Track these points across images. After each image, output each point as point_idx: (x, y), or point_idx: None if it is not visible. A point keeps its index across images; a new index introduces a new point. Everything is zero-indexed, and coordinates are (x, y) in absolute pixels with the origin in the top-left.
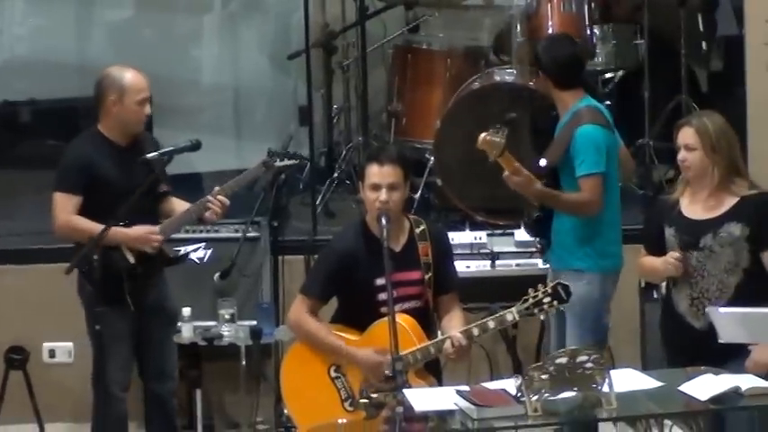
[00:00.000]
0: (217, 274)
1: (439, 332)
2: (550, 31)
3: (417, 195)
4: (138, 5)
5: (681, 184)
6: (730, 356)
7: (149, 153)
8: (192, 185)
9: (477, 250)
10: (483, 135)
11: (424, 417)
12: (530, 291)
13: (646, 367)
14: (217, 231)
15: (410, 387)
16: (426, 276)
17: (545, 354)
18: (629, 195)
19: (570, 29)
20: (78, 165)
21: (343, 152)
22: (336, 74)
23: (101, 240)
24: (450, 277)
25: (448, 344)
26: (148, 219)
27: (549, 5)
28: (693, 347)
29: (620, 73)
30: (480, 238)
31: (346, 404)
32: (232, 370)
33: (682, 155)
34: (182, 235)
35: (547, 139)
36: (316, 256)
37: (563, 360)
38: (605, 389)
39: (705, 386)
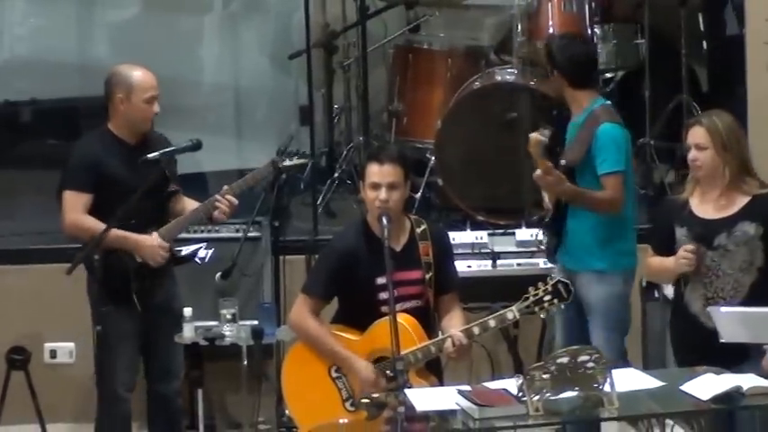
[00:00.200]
0: (218, 274)
1: (439, 332)
2: (551, 30)
3: (418, 195)
4: (138, 5)
5: (690, 184)
6: (744, 357)
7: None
8: (192, 185)
9: (478, 250)
10: (535, 135)
11: (426, 416)
12: (530, 289)
13: (647, 367)
14: (218, 231)
15: (411, 387)
16: (427, 276)
17: (549, 353)
18: None
19: (571, 28)
20: (86, 163)
21: (344, 152)
22: (337, 74)
23: (102, 240)
24: (451, 277)
25: (448, 343)
26: (158, 218)
27: (550, 5)
28: (706, 348)
29: (621, 72)
30: (481, 238)
31: (347, 404)
32: (233, 370)
33: (693, 154)
34: (182, 235)
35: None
36: (317, 256)
37: (564, 360)
38: (607, 388)
39: (706, 386)
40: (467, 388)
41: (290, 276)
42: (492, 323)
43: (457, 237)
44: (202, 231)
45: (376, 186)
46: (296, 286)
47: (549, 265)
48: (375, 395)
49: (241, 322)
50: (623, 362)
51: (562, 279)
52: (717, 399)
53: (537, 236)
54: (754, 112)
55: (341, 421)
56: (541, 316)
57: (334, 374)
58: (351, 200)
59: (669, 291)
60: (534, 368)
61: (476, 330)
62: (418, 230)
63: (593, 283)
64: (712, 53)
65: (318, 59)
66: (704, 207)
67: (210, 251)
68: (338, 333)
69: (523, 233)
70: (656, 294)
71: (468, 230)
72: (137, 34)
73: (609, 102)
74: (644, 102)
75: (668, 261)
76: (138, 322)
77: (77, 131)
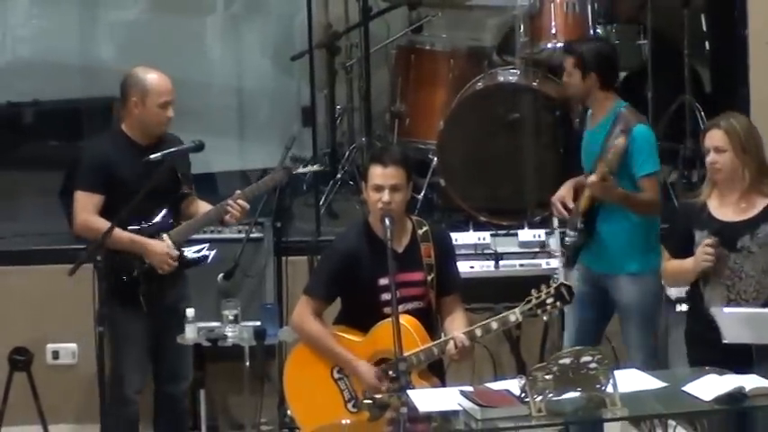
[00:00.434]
0: (220, 275)
1: (442, 333)
2: (554, 31)
3: (421, 196)
4: (141, 7)
5: (707, 187)
6: (764, 359)
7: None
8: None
9: (480, 251)
10: (621, 141)
11: (428, 417)
12: (533, 291)
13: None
14: (220, 232)
15: (414, 388)
16: (429, 277)
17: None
18: None
19: (574, 29)
20: (96, 163)
21: (347, 153)
22: (339, 74)
23: (105, 241)
24: (453, 278)
25: (451, 345)
26: (170, 219)
27: (553, 6)
28: (726, 349)
29: (624, 73)
30: (484, 239)
31: (350, 405)
32: (236, 371)
33: (712, 157)
34: None
35: (551, 139)
36: (319, 257)
37: (567, 360)
38: (609, 389)
39: (709, 386)
40: (469, 389)
41: (293, 277)
42: (494, 325)
43: (459, 237)
44: (205, 232)
45: (379, 188)
46: (298, 287)
47: (552, 265)
48: (377, 396)
49: (243, 323)
50: (654, 360)
51: (564, 282)
52: (719, 399)
53: (539, 236)
54: (756, 112)
55: (343, 422)
56: (544, 318)
57: (337, 375)
58: (353, 201)
59: (672, 292)
60: (537, 369)
61: (478, 332)
62: (420, 232)
63: (629, 284)
64: (715, 54)
65: (321, 60)
66: (724, 210)
67: (213, 252)
68: (340, 334)
69: (526, 234)
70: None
71: (471, 231)
72: (139, 36)
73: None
74: (647, 102)
75: (687, 262)
76: (147, 324)
77: (80, 133)
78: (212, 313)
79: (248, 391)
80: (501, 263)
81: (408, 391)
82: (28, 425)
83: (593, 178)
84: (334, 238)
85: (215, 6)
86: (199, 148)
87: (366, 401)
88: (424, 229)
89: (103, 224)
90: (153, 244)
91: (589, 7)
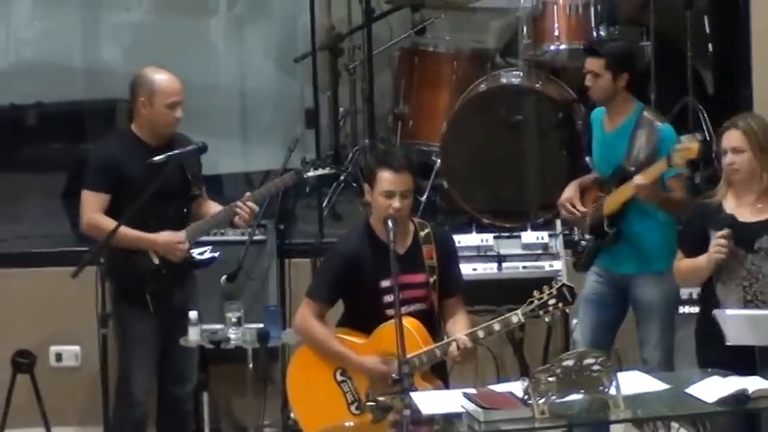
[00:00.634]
0: (223, 277)
1: (444, 335)
2: (556, 33)
3: (424, 198)
4: (144, 9)
5: (723, 187)
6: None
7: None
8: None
9: (483, 252)
10: (697, 145)
11: (431, 420)
12: (535, 293)
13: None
14: (223, 234)
15: (417, 390)
16: (431, 279)
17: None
18: None
19: (577, 31)
20: (104, 163)
21: (350, 155)
22: (343, 76)
23: (110, 241)
24: (455, 280)
25: (453, 347)
26: (179, 221)
27: (556, 7)
28: (737, 350)
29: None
30: (487, 241)
31: (353, 407)
32: (239, 373)
33: (729, 158)
34: None
35: (554, 141)
36: (322, 259)
37: (570, 362)
38: (612, 391)
39: (712, 388)
40: (472, 391)
41: (296, 279)
42: (497, 327)
43: (462, 239)
44: (208, 234)
45: (390, 194)
46: (301, 289)
47: (555, 267)
48: (380, 398)
49: (246, 325)
50: (671, 360)
51: (567, 283)
52: (723, 401)
53: (543, 238)
54: (760, 114)
55: (346, 424)
56: (546, 320)
57: (340, 378)
58: (356, 203)
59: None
60: (540, 371)
61: (480, 334)
62: (422, 234)
63: (654, 284)
64: (718, 55)
65: (324, 62)
66: (741, 210)
67: (216, 254)
68: (343, 336)
69: (529, 236)
70: None
71: (474, 233)
72: (142, 38)
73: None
74: (649, 104)
75: (700, 259)
76: (155, 324)
77: (83, 135)
78: (215, 315)
79: (251, 393)
80: (504, 265)
81: (411, 394)
82: (31, 427)
83: (642, 180)
84: (336, 240)
85: (218, 8)
86: (202, 150)
87: (369, 403)
88: (426, 230)
89: (110, 223)
90: (157, 234)
91: (592, 9)
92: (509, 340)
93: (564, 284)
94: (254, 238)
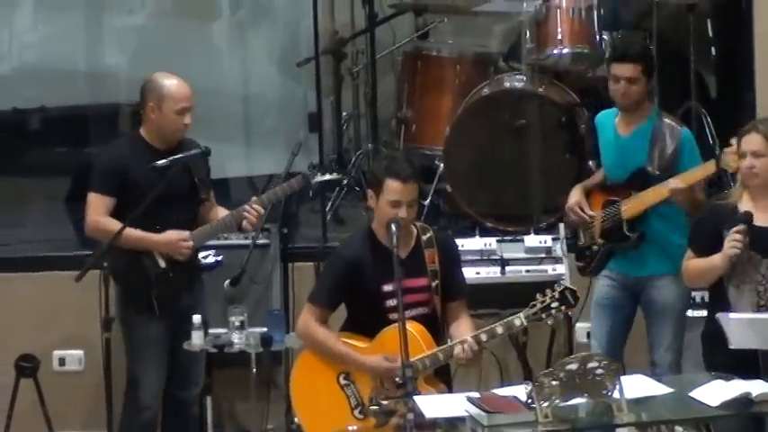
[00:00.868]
0: (227, 281)
1: (448, 339)
2: (560, 37)
3: (427, 202)
4: (147, 13)
5: (738, 190)
6: None
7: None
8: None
9: (486, 256)
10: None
11: (435, 423)
12: (537, 296)
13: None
14: (227, 238)
15: (420, 394)
16: (433, 283)
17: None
18: None
19: (579, 35)
20: (111, 167)
21: (353, 159)
22: (346, 81)
23: (115, 241)
24: (458, 284)
25: (458, 349)
26: (187, 226)
27: (559, 12)
28: (748, 354)
29: None
30: (490, 245)
31: (356, 412)
32: (242, 377)
33: (749, 162)
34: None
35: (557, 145)
36: (324, 264)
37: (573, 366)
38: (616, 395)
39: (716, 392)
40: (476, 395)
41: (299, 283)
42: (499, 330)
43: (465, 243)
44: (215, 238)
45: (397, 204)
46: (305, 293)
47: (558, 271)
48: (384, 402)
49: (250, 329)
50: (680, 363)
51: (569, 286)
52: (726, 405)
53: (546, 242)
54: (762, 117)
55: (350, 429)
56: (548, 323)
57: (343, 382)
58: (359, 207)
59: None
60: (543, 375)
61: (483, 337)
62: (424, 238)
63: (672, 284)
64: (721, 59)
65: (327, 66)
66: (757, 215)
67: (220, 258)
68: (346, 341)
69: (532, 240)
70: None
71: (477, 237)
72: (145, 42)
73: None
74: None
75: (714, 258)
76: (163, 328)
77: (86, 139)
78: (219, 320)
79: (255, 397)
80: (507, 269)
81: (415, 397)
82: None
83: (680, 184)
84: (339, 244)
85: (221, 13)
86: (205, 153)
87: (373, 408)
88: (429, 234)
89: (115, 225)
90: (163, 234)
91: (595, 13)
92: (512, 344)
93: (566, 287)
94: (258, 242)
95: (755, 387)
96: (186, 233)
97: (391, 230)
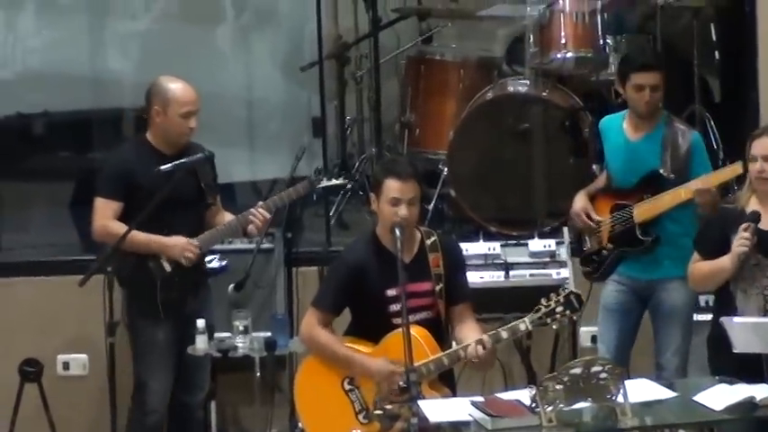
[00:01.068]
0: (231, 286)
1: (452, 343)
2: (563, 41)
3: (431, 206)
4: (151, 18)
5: (746, 193)
6: None
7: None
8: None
9: (490, 261)
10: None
11: (439, 428)
12: (542, 300)
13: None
14: (231, 243)
15: (424, 398)
16: (437, 287)
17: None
18: None
19: (583, 39)
20: (118, 171)
21: (357, 163)
22: (349, 85)
23: (120, 245)
24: (463, 288)
25: (472, 348)
26: (193, 230)
27: (562, 16)
28: (755, 358)
29: None
30: (494, 249)
31: (360, 416)
32: (246, 381)
33: (760, 165)
34: None
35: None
36: (328, 268)
37: (577, 370)
38: (620, 399)
39: (719, 396)
40: (480, 399)
41: (303, 288)
42: (504, 334)
43: (469, 248)
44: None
45: (396, 202)
46: (309, 298)
47: (563, 275)
48: (388, 407)
49: (254, 334)
50: (686, 367)
51: (574, 290)
52: (730, 409)
53: (550, 246)
54: (766, 122)
55: None
56: (554, 327)
57: (347, 387)
58: (363, 211)
59: None
60: (547, 379)
61: (488, 341)
62: (428, 242)
63: (682, 288)
64: (725, 63)
65: (331, 71)
66: (765, 218)
67: (224, 262)
68: (350, 346)
69: (536, 244)
70: None
71: (481, 241)
72: (149, 46)
73: None
74: None
75: (722, 260)
76: (169, 332)
77: (90, 144)
78: (223, 324)
79: (259, 402)
80: (511, 273)
81: (419, 402)
82: None
83: (705, 185)
84: (343, 248)
85: (225, 17)
86: (208, 158)
87: (377, 412)
88: (433, 239)
89: (122, 229)
90: (170, 238)
91: (599, 17)
92: (516, 348)
93: (571, 292)
94: (262, 246)
95: (759, 391)
96: (196, 241)
97: (395, 235)
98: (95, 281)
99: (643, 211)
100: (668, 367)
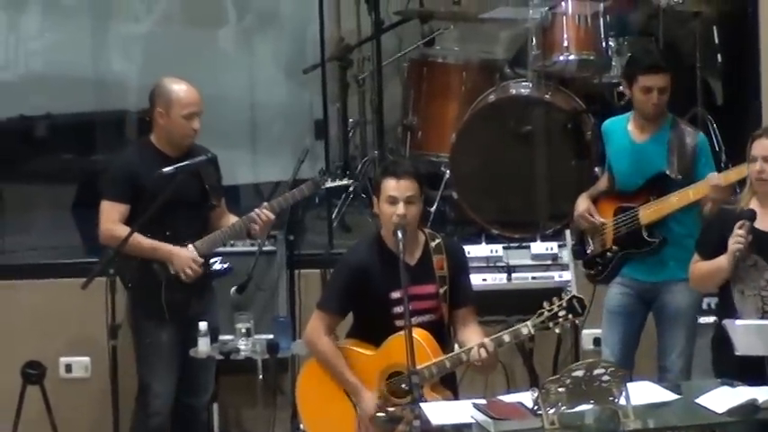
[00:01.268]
0: (233, 288)
1: (455, 346)
2: (566, 44)
3: (433, 209)
4: (154, 20)
5: (746, 194)
6: None
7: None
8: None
9: (493, 263)
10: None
11: (441, 430)
12: (545, 304)
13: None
14: (233, 245)
15: (426, 401)
16: (441, 290)
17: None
18: None
19: (586, 42)
20: (123, 174)
21: (359, 166)
22: (352, 87)
23: (122, 246)
24: (466, 291)
25: (475, 351)
26: (197, 232)
27: (565, 18)
28: (756, 360)
29: None
30: (496, 251)
31: None
32: (249, 384)
33: (759, 166)
34: None
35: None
36: (332, 270)
37: (580, 373)
38: (622, 401)
39: (722, 398)
40: (482, 401)
41: (306, 290)
42: (506, 338)
43: (472, 250)
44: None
45: (393, 201)
46: (311, 300)
47: (565, 278)
48: (390, 410)
49: (256, 336)
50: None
51: (576, 294)
52: (732, 411)
53: (552, 249)
54: None
55: None
56: (556, 331)
57: None
58: (366, 214)
59: None
60: (550, 381)
61: (490, 345)
62: (432, 244)
63: (687, 290)
64: (727, 66)
65: (333, 73)
66: (764, 219)
67: (227, 264)
68: (353, 348)
69: (538, 246)
70: None
71: (483, 244)
72: (152, 49)
73: None
74: None
75: (720, 259)
76: (173, 334)
77: (92, 146)
78: (225, 326)
79: (261, 404)
80: (513, 275)
81: (421, 404)
82: None
83: (721, 181)
84: (346, 251)
85: (227, 19)
86: (211, 160)
87: (379, 414)
88: (437, 241)
89: (127, 233)
90: (178, 249)
91: (601, 20)
92: (519, 351)
93: (574, 296)
94: (264, 248)
95: (762, 393)
96: (200, 259)
97: (398, 237)
98: (98, 283)
99: (649, 212)
100: (673, 369)
